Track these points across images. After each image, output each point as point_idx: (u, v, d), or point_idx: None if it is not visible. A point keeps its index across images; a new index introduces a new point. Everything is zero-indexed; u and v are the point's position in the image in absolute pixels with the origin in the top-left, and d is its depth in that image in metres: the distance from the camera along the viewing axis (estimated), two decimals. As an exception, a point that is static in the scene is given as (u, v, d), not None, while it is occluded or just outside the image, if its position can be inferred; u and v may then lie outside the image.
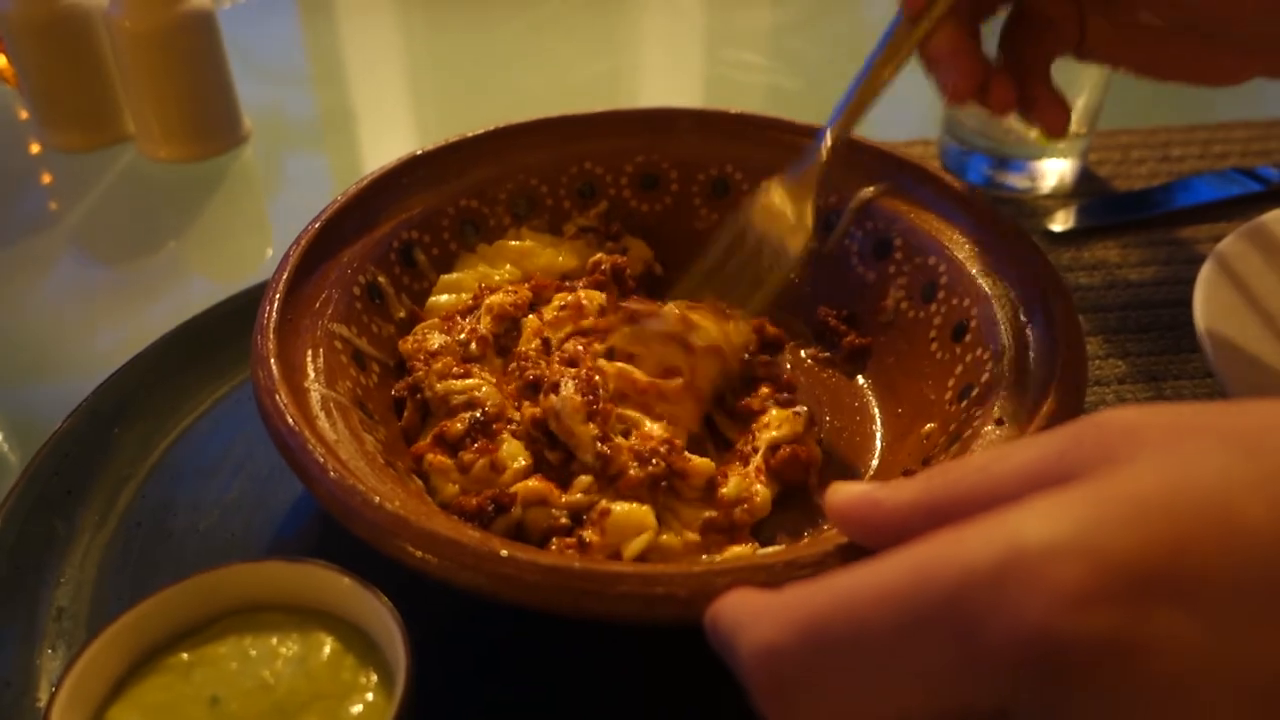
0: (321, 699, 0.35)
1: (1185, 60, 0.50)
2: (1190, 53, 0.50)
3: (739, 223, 0.55)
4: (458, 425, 0.48)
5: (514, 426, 0.49)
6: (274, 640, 0.37)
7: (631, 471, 0.46)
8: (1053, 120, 0.53)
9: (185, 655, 0.37)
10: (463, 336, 0.53)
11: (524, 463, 0.48)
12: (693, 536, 0.46)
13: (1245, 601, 0.22)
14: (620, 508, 0.45)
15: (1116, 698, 0.22)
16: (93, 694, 0.35)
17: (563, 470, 0.48)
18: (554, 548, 0.44)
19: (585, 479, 0.47)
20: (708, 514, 0.47)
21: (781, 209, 0.54)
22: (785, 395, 0.53)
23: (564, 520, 0.46)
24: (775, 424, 0.51)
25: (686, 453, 0.48)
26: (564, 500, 0.46)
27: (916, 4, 0.50)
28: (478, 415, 0.49)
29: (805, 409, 0.52)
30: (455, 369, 0.51)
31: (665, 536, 0.46)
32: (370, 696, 0.36)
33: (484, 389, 0.50)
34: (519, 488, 0.46)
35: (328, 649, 0.37)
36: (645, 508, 0.45)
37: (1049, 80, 0.53)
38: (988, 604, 0.23)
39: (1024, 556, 0.23)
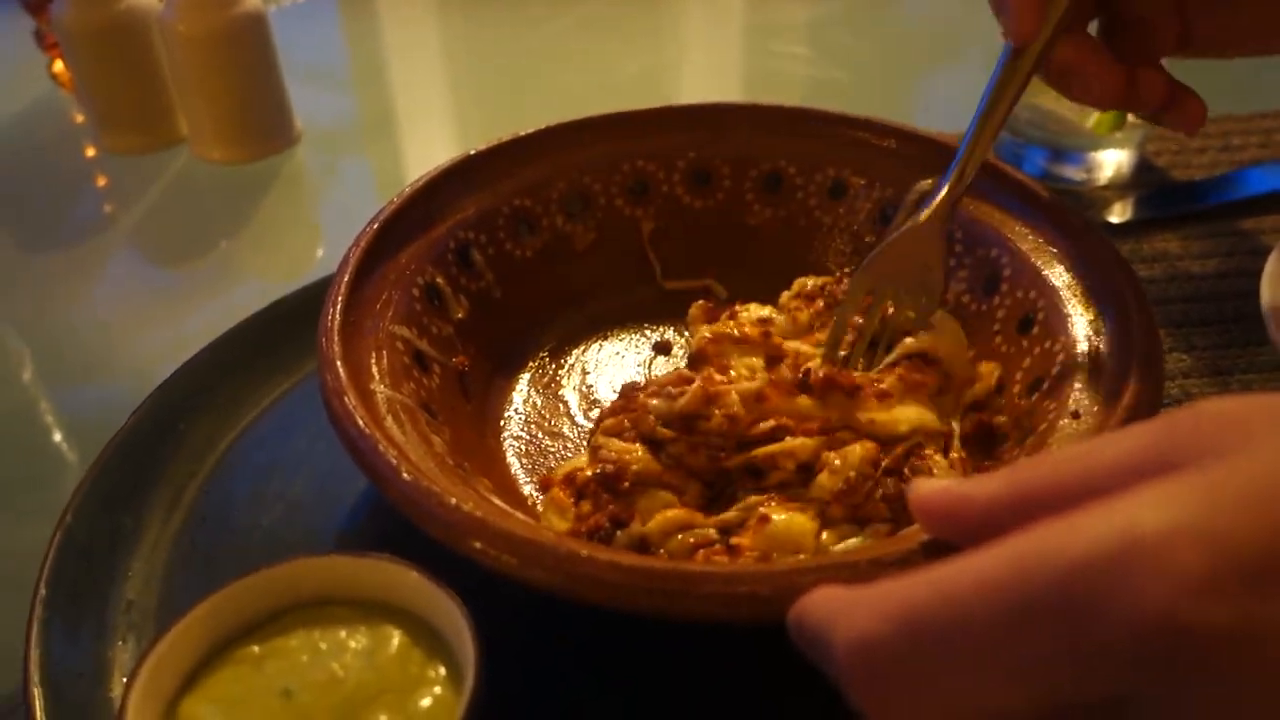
0: (390, 692, 0.35)
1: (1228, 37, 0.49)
2: None
3: (865, 279, 0.52)
4: (586, 473, 0.47)
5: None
6: (342, 633, 0.37)
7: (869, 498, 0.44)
8: (1193, 116, 0.51)
9: (256, 648, 0.37)
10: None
11: (670, 500, 0.45)
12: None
13: None
14: (781, 517, 0.43)
15: (1240, 685, 0.21)
16: (166, 686, 0.35)
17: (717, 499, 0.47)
18: (700, 558, 0.43)
19: (752, 498, 0.45)
20: None
21: (907, 256, 0.51)
22: None
23: (713, 535, 0.44)
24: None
25: (928, 459, 0.46)
26: (713, 520, 0.44)
27: (1024, 34, 0.47)
28: (608, 469, 0.46)
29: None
30: (628, 431, 0.48)
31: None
32: (439, 690, 0.36)
33: (638, 454, 0.47)
34: (656, 519, 0.44)
35: (395, 642, 0.37)
36: (809, 522, 0.43)
37: (1166, 75, 0.51)
38: (1105, 591, 0.22)
39: (1142, 542, 0.22)
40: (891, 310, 0.52)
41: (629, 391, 0.50)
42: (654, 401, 0.48)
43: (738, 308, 0.56)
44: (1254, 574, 0.22)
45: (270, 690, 0.35)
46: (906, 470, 0.46)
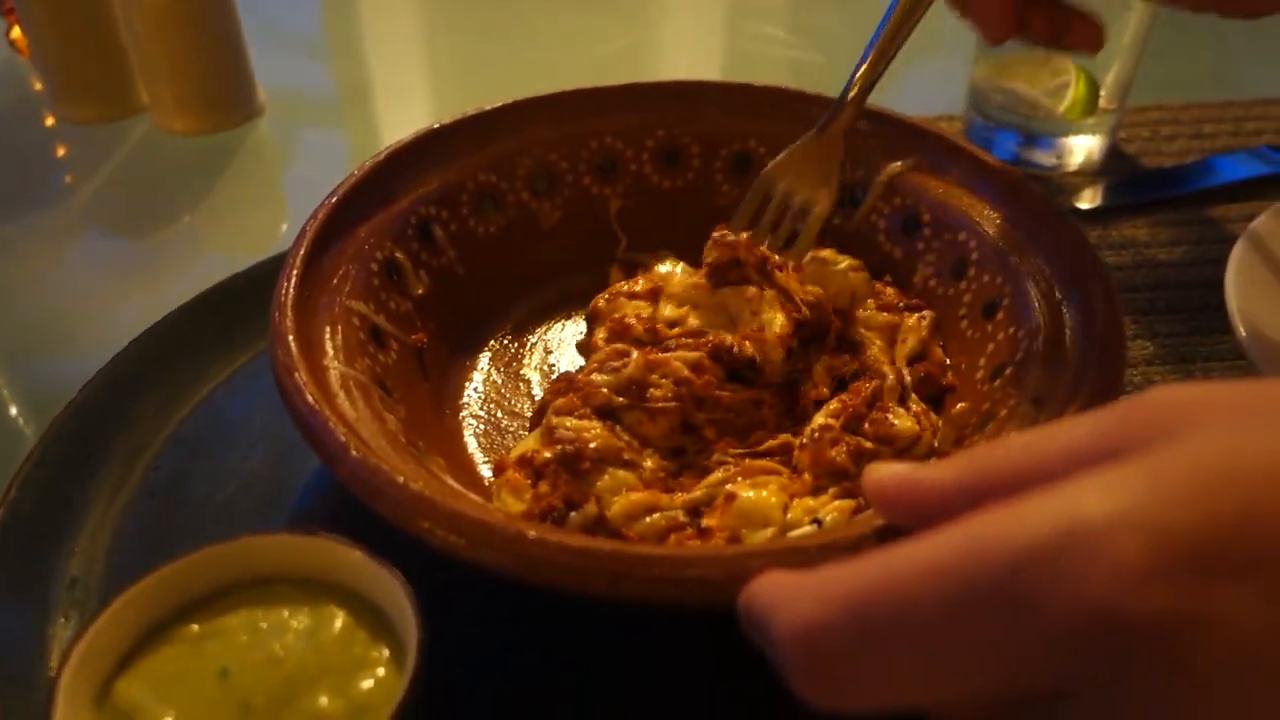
0: (332, 673, 0.35)
1: None
2: None
3: (763, 185, 0.55)
4: (544, 454, 0.45)
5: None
6: (285, 613, 0.36)
7: (836, 455, 0.45)
8: (1089, 38, 0.52)
9: (196, 627, 0.36)
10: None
11: (630, 481, 0.45)
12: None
13: None
14: (748, 495, 0.43)
15: (1179, 674, 0.21)
16: (102, 664, 0.35)
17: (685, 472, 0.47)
18: (671, 542, 0.43)
19: (716, 475, 0.45)
20: None
21: (807, 167, 0.54)
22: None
23: (681, 518, 0.44)
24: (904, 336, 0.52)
25: (895, 412, 0.48)
26: (680, 500, 0.44)
27: None
28: (568, 449, 0.45)
29: (930, 313, 0.53)
30: (580, 409, 0.47)
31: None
32: (381, 671, 0.35)
33: (596, 430, 0.46)
34: (619, 502, 0.44)
35: (339, 623, 0.36)
36: (775, 500, 0.43)
37: (1053, 11, 0.52)
38: (1047, 578, 0.22)
39: (1084, 530, 0.22)
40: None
41: (567, 377, 0.49)
42: (599, 376, 0.47)
43: (653, 264, 0.57)
44: (1192, 562, 0.21)
45: (207, 670, 0.34)
46: (868, 425, 0.47)
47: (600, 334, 0.52)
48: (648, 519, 0.44)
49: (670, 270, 0.56)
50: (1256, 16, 0.50)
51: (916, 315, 0.53)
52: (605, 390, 0.47)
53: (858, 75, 0.54)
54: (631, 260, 0.60)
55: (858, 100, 0.54)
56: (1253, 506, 0.22)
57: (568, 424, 0.46)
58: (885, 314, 0.53)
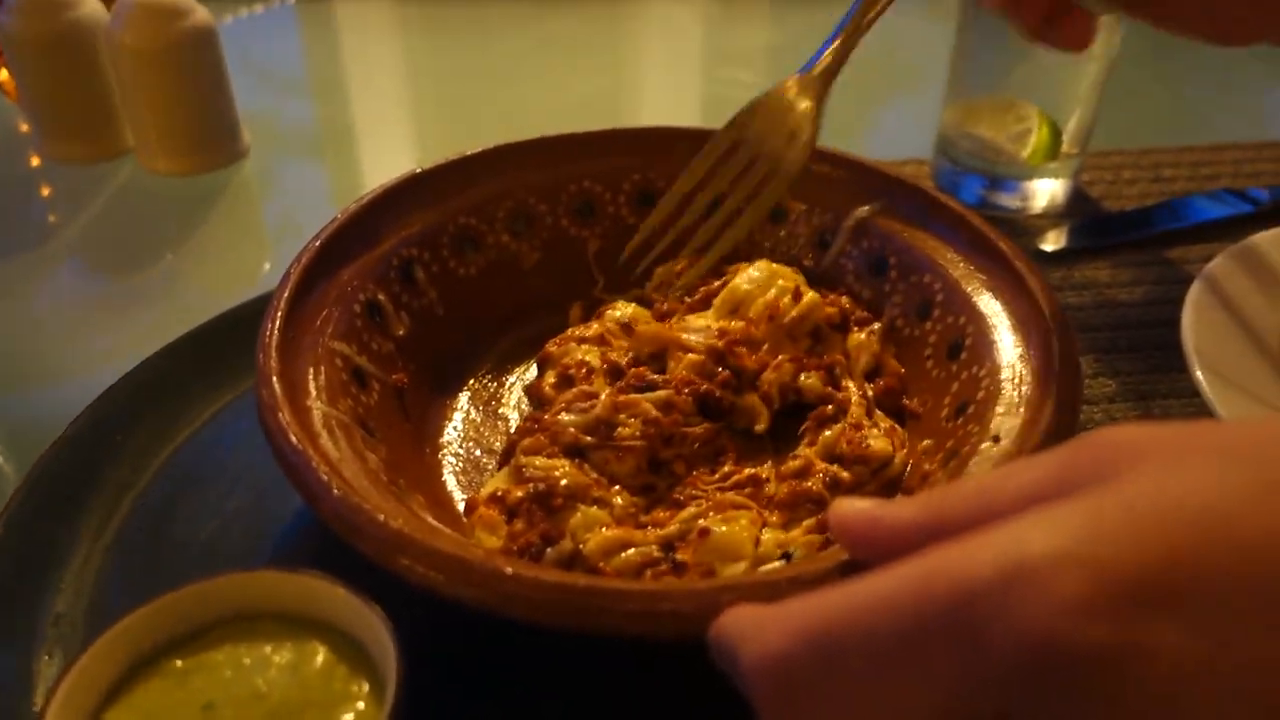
0: (313, 707, 0.35)
1: (1199, 12, 0.50)
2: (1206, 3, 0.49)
3: (733, 132, 0.53)
4: (515, 494, 0.46)
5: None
6: (268, 649, 0.37)
7: (812, 485, 0.47)
8: (1079, 35, 0.52)
9: (180, 662, 0.37)
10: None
11: (603, 519, 0.46)
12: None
13: (1242, 611, 0.22)
14: (721, 530, 0.45)
15: (1117, 701, 0.22)
16: (87, 700, 0.35)
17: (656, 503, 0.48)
18: (647, 577, 0.44)
19: (689, 510, 0.46)
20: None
21: (783, 117, 0.53)
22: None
23: (655, 553, 0.45)
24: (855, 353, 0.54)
25: (868, 432, 0.49)
26: (654, 535, 0.45)
27: None
28: (539, 487, 0.46)
29: (878, 326, 0.55)
30: (548, 449, 0.48)
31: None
32: (361, 705, 0.36)
33: (565, 468, 0.47)
34: (593, 539, 0.44)
35: (320, 658, 0.37)
36: (746, 534, 0.45)
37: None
38: (991, 612, 0.23)
39: (1026, 566, 0.23)
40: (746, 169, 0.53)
41: (533, 417, 0.51)
42: (566, 416, 0.49)
43: (605, 308, 0.58)
44: (1132, 595, 0.23)
45: (192, 704, 0.35)
46: (845, 445, 0.49)
47: (550, 378, 0.53)
48: (623, 555, 0.45)
49: (621, 315, 0.57)
50: (1242, 44, 0.51)
51: (866, 330, 0.55)
52: (573, 430, 0.48)
53: (846, 24, 0.53)
54: (599, 301, 0.61)
55: (841, 48, 0.53)
56: (1184, 544, 0.23)
57: (536, 463, 0.47)
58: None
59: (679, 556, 0.44)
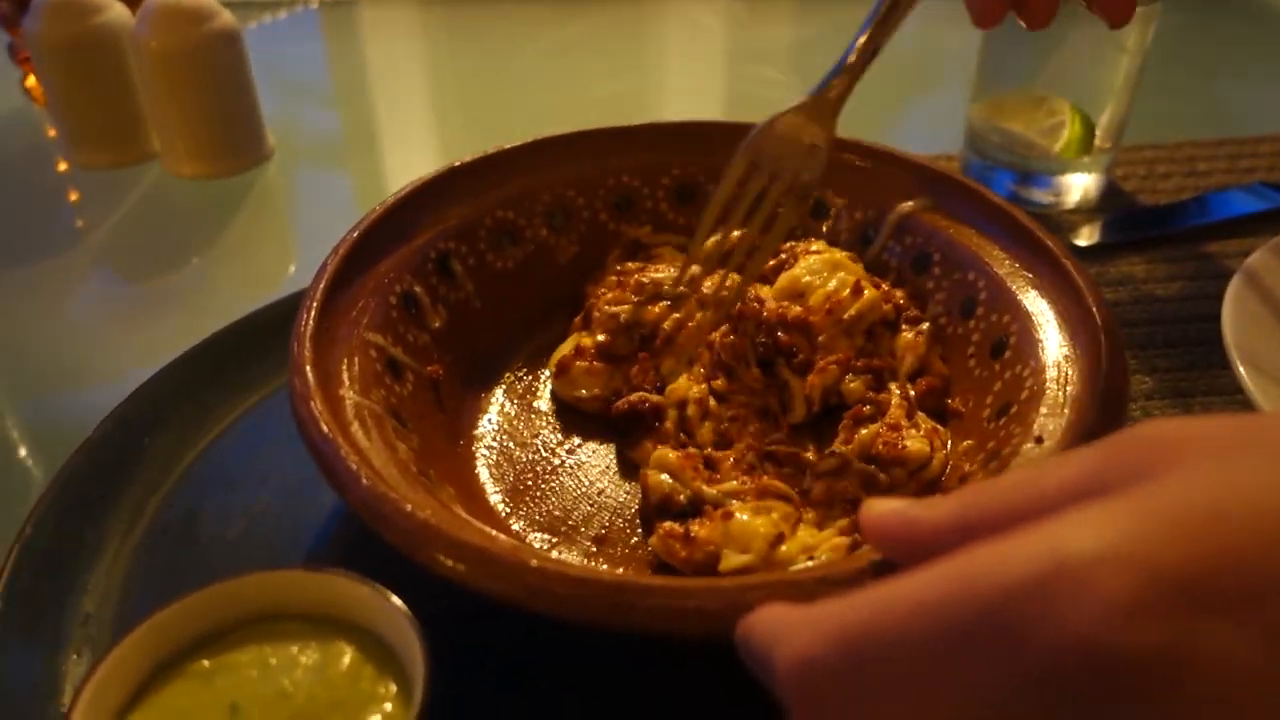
0: (340, 708, 0.35)
1: None
2: None
3: (750, 151, 0.54)
4: (616, 339, 0.55)
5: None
6: (294, 649, 0.37)
7: (848, 486, 0.47)
8: (1119, 5, 0.51)
9: (206, 662, 0.37)
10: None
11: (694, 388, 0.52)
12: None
13: None
14: (743, 518, 0.45)
15: (1163, 709, 0.21)
16: (113, 699, 0.35)
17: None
18: (661, 531, 0.45)
19: (729, 485, 0.47)
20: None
21: (798, 132, 0.53)
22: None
23: (682, 499, 0.47)
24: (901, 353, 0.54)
25: (905, 434, 0.49)
26: (694, 484, 0.47)
27: None
28: (633, 319, 0.55)
29: (927, 325, 0.55)
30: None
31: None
32: (389, 706, 0.35)
33: (655, 311, 0.56)
34: (660, 451, 0.48)
35: (347, 658, 0.37)
36: (764, 530, 0.45)
37: None
38: (1032, 615, 0.22)
39: (1069, 567, 0.22)
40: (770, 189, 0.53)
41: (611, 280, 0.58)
42: (645, 277, 0.57)
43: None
44: (1177, 598, 0.22)
45: (218, 705, 0.35)
46: (880, 446, 0.48)
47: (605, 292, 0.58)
48: (663, 477, 0.47)
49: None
50: None
51: (914, 330, 0.54)
52: (652, 284, 0.55)
53: (857, 43, 0.52)
54: (637, 243, 0.62)
55: (855, 68, 0.53)
56: (1236, 543, 0.22)
57: (624, 308, 0.55)
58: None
59: (693, 527, 0.45)
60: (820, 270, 0.55)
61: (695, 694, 0.42)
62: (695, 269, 0.56)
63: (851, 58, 0.52)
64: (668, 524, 0.46)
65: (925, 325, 0.54)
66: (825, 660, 0.25)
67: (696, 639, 0.35)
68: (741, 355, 0.53)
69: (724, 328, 0.54)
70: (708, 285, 0.56)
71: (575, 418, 0.55)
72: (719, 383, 0.53)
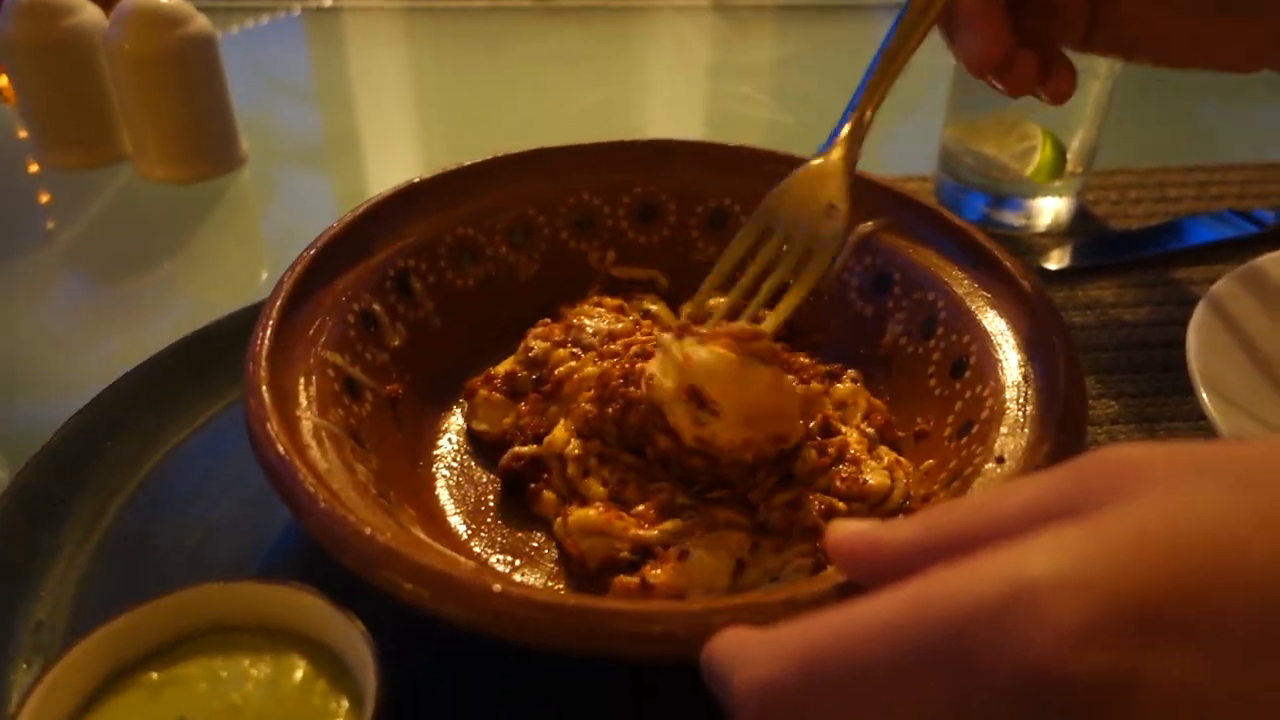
0: (291, 723, 0.35)
1: (1198, 41, 0.50)
2: (1205, 33, 0.49)
3: (763, 216, 0.54)
4: (522, 372, 0.53)
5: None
6: (245, 662, 0.36)
7: (805, 516, 0.45)
8: (1063, 86, 0.52)
9: (155, 674, 0.36)
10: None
11: (575, 450, 0.49)
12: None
13: (1246, 638, 0.22)
14: (700, 554, 0.43)
15: None
16: (60, 710, 0.35)
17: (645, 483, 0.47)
18: (615, 587, 0.43)
19: (671, 525, 0.44)
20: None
21: (811, 194, 0.53)
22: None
23: (624, 554, 0.44)
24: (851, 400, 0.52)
25: (865, 467, 0.48)
26: (632, 532, 0.44)
27: None
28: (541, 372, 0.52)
29: (852, 371, 0.54)
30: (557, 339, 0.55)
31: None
32: (341, 721, 0.35)
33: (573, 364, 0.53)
34: (575, 516, 0.45)
35: (300, 673, 0.36)
36: (724, 566, 0.43)
37: (1057, 52, 0.52)
38: (989, 638, 0.22)
39: (1025, 591, 0.22)
40: (785, 248, 0.53)
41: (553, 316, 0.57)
42: (587, 321, 0.55)
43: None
44: (1131, 623, 0.22)
45: (165, 718, 0.34)
46: (839, 482, 0.47)
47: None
48: (591, 541, 0.45)
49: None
50: (1246, 71, 0.50)
51: (848, 380, 0.53)
52: (589, 333, 0.53)
53: (858, 101, 0.52)
54: (654, 285, 0.62)
55: (861, 121, 0.52)
56: (1190, 571, 0.22)
57: (540, 344, 0.54)
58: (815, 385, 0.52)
59: (649, 574, 0.43)
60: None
61: (658, 713, 0.42)
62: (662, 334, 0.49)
63: (856, 111, 0.52)
64: (619, 579, 0.44)
65: (854, 373, 0.54)
66: (783, 682, 0.25)
67: (663, 663, 0.35)
68: (599, 430, 0.49)
69: (589, 392, 0.50)
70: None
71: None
72: (593, 444, 0.49)
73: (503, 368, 0.55)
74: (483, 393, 0.54)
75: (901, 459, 0.50)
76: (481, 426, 0.53)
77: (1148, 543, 0.23)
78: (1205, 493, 0.24)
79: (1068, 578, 0.22)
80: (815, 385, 0.51)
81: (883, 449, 0.50)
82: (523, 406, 0.53)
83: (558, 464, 0.49)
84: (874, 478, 0.47)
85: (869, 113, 0.52)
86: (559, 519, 0.47)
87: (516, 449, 0.51)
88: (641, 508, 0.46)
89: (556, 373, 0.52)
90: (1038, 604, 0.22)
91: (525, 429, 0.52)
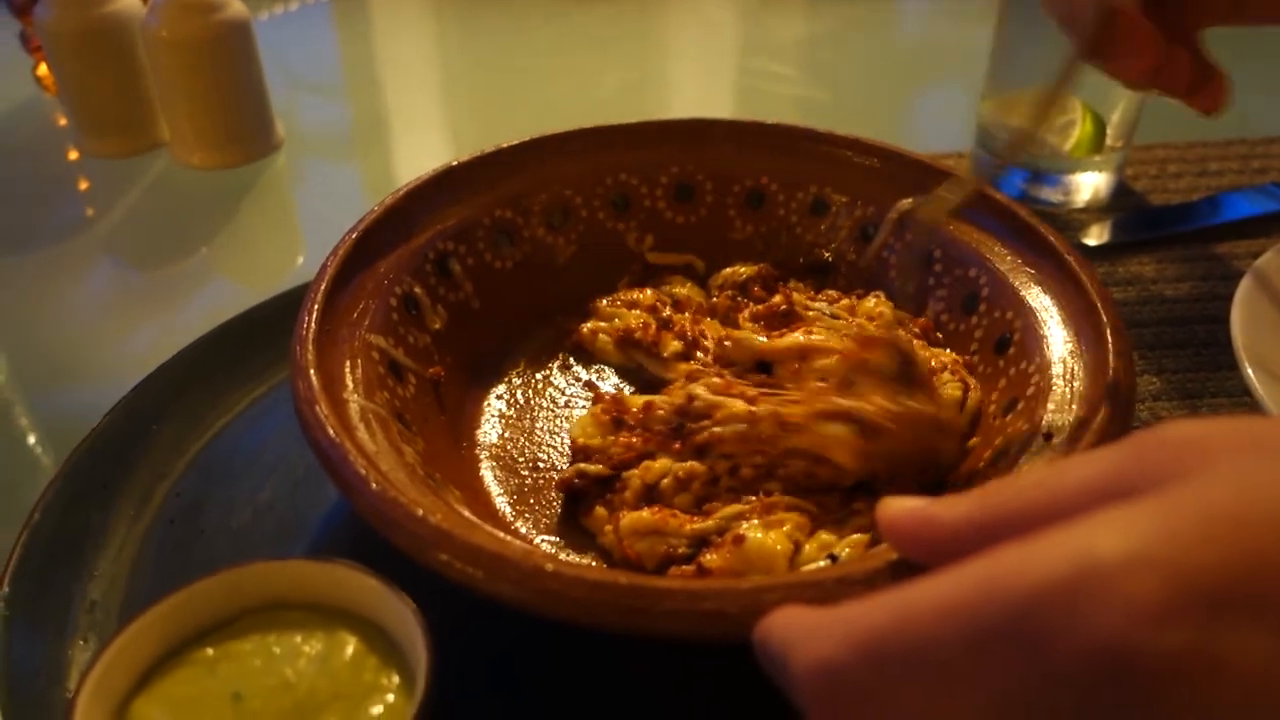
0: (342, 699, 0.35)
1: None
2: None
3: None
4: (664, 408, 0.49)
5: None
6: (298, 639, 0.37)
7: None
8: (1216, 99, 0.50)
9: (210, 650, 0.37)
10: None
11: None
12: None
13: None
14: (756, 537, 0.43)
15: (1192, 713, 0.21)
16: (118, 686, 0.35)
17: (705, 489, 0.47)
18: (671, 575, 0.43)
19: (733, 508, 0.45)
20: None
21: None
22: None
23: (682, 550, 0.44)
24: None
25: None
26: (688, 528, 0.45)
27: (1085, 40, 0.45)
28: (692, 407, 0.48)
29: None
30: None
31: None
32: (391, 698, 0.35)
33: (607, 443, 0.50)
34: (627, 519, 0.45)
35: (350, 649, 0.37)
36: (782, 547, 0.43)
37: (1203, 53, 0.50)
38: (1060, 617, 0.22)
39: (1097, 569, 0.22)
40: None
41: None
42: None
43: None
44: (1208, 600, 0.21)
45: (221, 693, 0.35)
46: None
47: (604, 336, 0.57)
48: (647, 542, 0.44)
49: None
50: None
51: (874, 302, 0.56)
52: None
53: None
54: (649, 267, 0.62)
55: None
56: (1263, 546, 0.22)
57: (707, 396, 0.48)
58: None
59: (706, 559, 0.43)
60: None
61: (701, 694, 0.42)
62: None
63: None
64: (675, 569, 0.44)
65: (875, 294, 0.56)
66: (845, 665, 0.25)
67: (714, 642, 0.35)
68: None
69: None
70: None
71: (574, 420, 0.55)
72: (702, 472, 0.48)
73: (640, 399, 0.51)
74: (596, 412, 0.51)
75: (964, 370, 0.51)
76: (579, 437, 0.51)
77: (1216, 520, 0.22)
78: (1270, 470, 0.23)
79: (1138, 556, 0.22)
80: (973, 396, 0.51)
81: (936, 351, 0.52)
82: (634, 440, 0.49)
83: (641, 481, 0.48)
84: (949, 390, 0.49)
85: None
86: (608, 527, 0.46)
87: (584, 467, 0.49)
88: (679, 499, 0.47)
89: (712, 432, 0.47)
90: (1110, 582, 0.22)
91: (613, 455, 0.49)
